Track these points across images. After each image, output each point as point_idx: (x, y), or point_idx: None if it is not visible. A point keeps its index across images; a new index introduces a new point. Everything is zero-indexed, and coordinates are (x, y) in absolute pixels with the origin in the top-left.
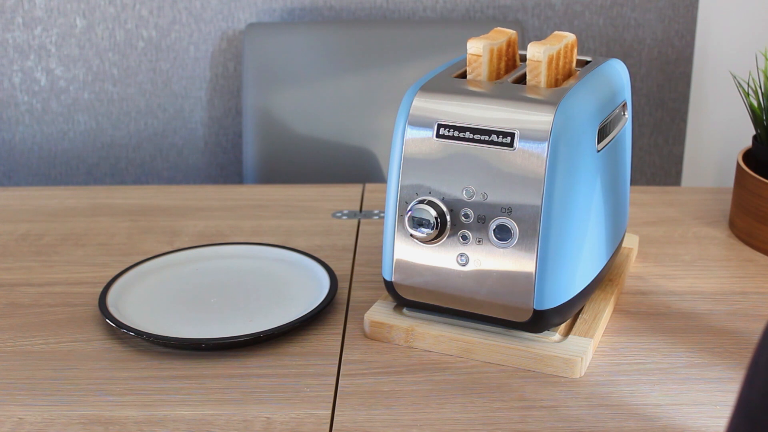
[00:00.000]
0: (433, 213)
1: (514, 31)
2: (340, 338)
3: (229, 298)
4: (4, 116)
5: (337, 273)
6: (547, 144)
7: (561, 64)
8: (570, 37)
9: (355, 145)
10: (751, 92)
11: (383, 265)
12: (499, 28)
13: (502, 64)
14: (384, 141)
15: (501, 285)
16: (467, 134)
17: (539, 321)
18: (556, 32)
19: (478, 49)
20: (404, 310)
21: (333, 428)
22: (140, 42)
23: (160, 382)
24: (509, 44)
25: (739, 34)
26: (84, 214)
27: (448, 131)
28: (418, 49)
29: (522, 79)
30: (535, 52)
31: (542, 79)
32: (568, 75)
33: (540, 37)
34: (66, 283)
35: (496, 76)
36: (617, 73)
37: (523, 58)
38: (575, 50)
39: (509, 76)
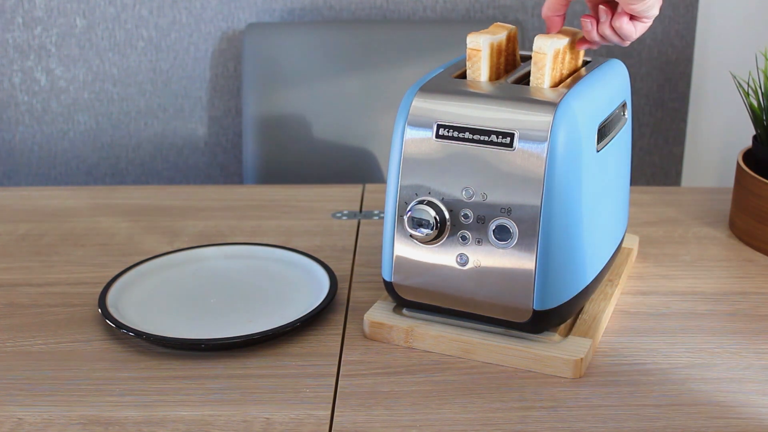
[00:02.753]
0: (433, 213)
1: (514, 27)
2: (340, 338)
3: (229, 298)
4: (4, 116)
5: (337, 273)
6: (546, 144)
7: (567, 59)
8: (579, 33)
9: (355, 145)
10: (751, 92)
11: (383, 266)
12: (499, 23)
13: (502, 59)
14: (384, 141)
15: (501, 285)
16: (467, 135)
17: (539, 321)
18: (564, 27)
19: (478, 43)
20: (404, 310)
21: (332, 429)
22: (140, 42)
23: (159, 383)
24: (509, 39)
25: (739, 34)
26: (84, 214)
27: (448, 132)
28: (418, 49)
29: (522, 79)
30: (542, 44)
31: (546, 72)
32: (574, 71)
33: None
34: (66, 283)
35: (496, 71)
36: (617, 73)
37: (524, 58)
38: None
39: (509, 76)
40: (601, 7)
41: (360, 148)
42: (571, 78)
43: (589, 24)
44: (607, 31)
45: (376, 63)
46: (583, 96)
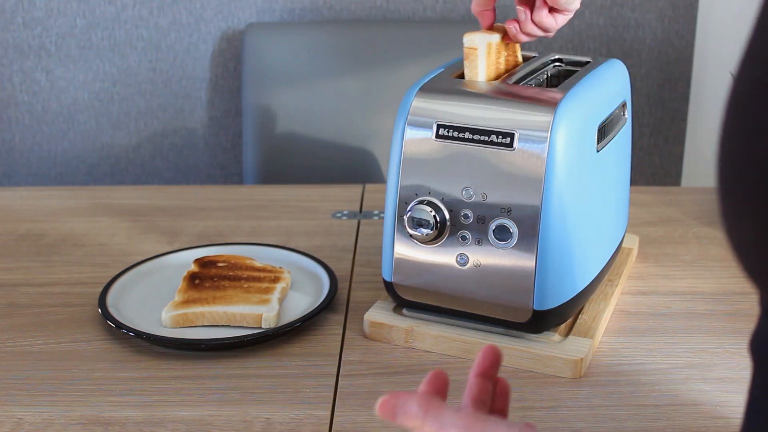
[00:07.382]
0: (433, 213)
1: None
2: (340, 338)
3: None
4: (4, 116)
5: (337, 273)
6: (546, 144)
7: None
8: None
9: (355, 145)
10: None
11: (383, 266)
12: (497, 23)
13: (502, 59)
14: (384, 141)
15: (500, 285)
16: (467, 135)
17: (539, 321)
18: (497, 24)
19: (474, 42)
20: (404, 310)
21: (332, 429)
22: (140, 42)
23: (159, 383)
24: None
25: (739, 34)
26: (84, 214)
27: (448, 132)
28: (418, 49)
29: (523, 80)
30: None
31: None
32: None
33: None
34: (66, 283)
35: (495, 70)
36: (617, 73)
37: (525, 58)
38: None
39: (510, 76)
40: (518, 7)
41: (360, 148)
42: (571, 78)
43: (513, 29)
44: (530, 28)
45: (376, 63)
46: (583, 96)
